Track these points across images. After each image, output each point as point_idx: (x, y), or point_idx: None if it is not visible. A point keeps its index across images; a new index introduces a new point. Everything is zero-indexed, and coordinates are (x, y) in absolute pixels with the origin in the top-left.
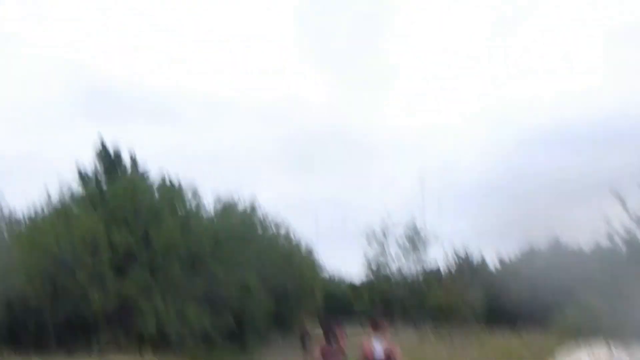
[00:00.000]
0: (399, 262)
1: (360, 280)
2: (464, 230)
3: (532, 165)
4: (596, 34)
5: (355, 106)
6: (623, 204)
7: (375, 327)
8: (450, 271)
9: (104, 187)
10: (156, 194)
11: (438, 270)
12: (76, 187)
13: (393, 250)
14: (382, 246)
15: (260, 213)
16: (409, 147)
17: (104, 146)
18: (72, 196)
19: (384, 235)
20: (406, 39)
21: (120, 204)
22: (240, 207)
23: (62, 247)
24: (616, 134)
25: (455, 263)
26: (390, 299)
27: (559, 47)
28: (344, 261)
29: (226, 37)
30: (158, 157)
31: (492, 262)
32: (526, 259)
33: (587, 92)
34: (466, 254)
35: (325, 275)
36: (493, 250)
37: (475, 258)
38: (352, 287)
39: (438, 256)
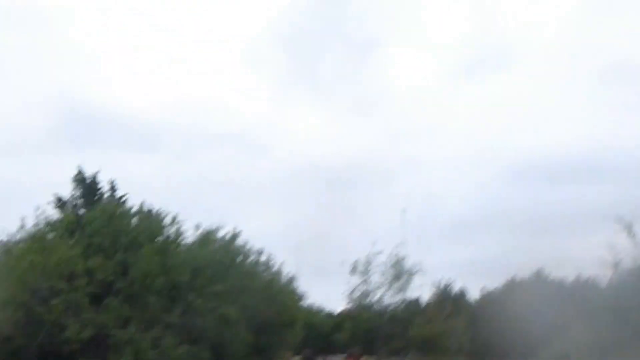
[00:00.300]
0: (382, 292)
1: (342, 312)
2: (447, 262)
3: (515, 199)
4: (578, 73)
5: (342, 135)
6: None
7: (354, 358)
8: (433, 302)
9: (81, 213)
10: (134, 221)
11: (421, 300)
12: (52, 213)
13: (376, 280)
14: (365, 276)
15: (240, 241)
16: (393, 178)
17: (81, 172)
18: (48, 222)
19: (368, 265)
20: (392, 69)
21: (97, 231)
22: (221, 235)
23: (36, 275)
24: (595, 168)
25: (439, 294)
26: (373, 329)
27: (540, 87)
28: (326, 292)
29: (210, 66)
30: (138, 185)
31: (476, 294)
32: (509, 291)
33: (567, 129)
34: (449, 285)
35: (306, 305)
36: (477, 281)
37: (459, 289)
38: (333, 318)
39: (422, 287)
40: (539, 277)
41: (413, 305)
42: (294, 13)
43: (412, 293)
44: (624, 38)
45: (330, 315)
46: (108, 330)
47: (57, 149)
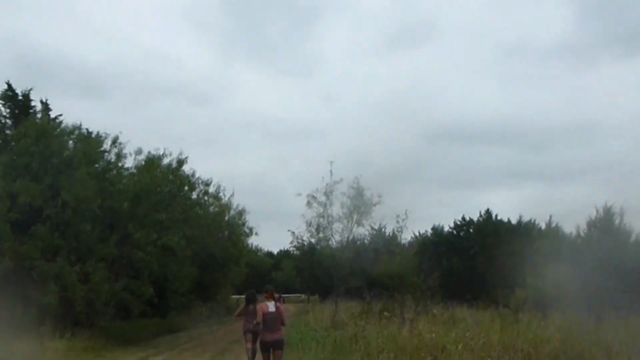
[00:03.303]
0: (342, 226)
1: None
2: None
3: (432, 157)
4: (493, 50)
5: (281, 93)
6: None
7: (270, 296)
8: (399, 236)
9: (8, 132)
10: (70, 142)
11: (386, 235)
12: None
13: (335, 212)
14: (323, 207)
15: (187, 169)
16: (326, 135)
17: (10, 87)
18: None
19: (327, 195)
20: (331, 33)
21: (24, 150)
22: (166, 161)
23: None
24: (505, 132)
25: (401, 229)
26: (330, 267)
27: (458, 58)
28: (266, 236)
29: (158, 22)
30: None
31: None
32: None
33: (483, 97)
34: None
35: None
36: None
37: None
38: (281, 257)
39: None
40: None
41: (377, 239)
42: None
43: (373, 226)
44: (531, 21)
45: (270, 255)
46: (32, 262)
47: None
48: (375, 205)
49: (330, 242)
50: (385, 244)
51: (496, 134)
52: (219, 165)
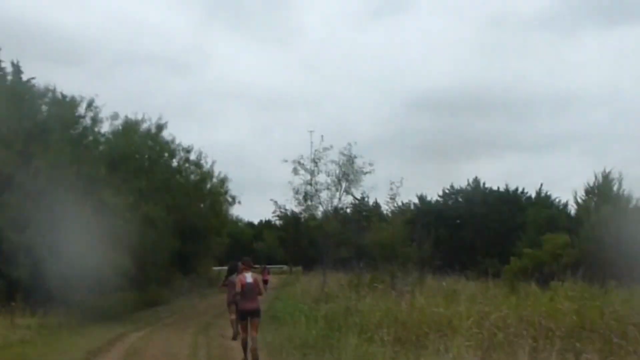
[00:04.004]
0: (330, 194)
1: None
2: None
3: (413, 126)
4: (475, 20)
5: (261, 63)
6: None
7: (247, 267)
8: (393, 204)
9: None
10: (43, 106)
11: (375, 204)
12: None
13: (323, 179)
14: (311, 174)
15: (167, 135)
16: (307, 106)
17: None
18: None
19: (315, 162)
20: (312, 2)
21: None
22: (145, 127)
23: None
24: (487, 103)
25: (394, 196)
26: (319, 237)
27: (437, 29)
28: (253, 205)
29: None
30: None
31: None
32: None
33: (465, 67)
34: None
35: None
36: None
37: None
38: (262, 227)
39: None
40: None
41: (359, 209)
42: None
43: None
44: None
45: (251, 225)
46: (2, 234)
47: None
48: (365, 174)
49: (317, 211)
50: (368, 214)
51: (477, 104)
52: (197, 136)
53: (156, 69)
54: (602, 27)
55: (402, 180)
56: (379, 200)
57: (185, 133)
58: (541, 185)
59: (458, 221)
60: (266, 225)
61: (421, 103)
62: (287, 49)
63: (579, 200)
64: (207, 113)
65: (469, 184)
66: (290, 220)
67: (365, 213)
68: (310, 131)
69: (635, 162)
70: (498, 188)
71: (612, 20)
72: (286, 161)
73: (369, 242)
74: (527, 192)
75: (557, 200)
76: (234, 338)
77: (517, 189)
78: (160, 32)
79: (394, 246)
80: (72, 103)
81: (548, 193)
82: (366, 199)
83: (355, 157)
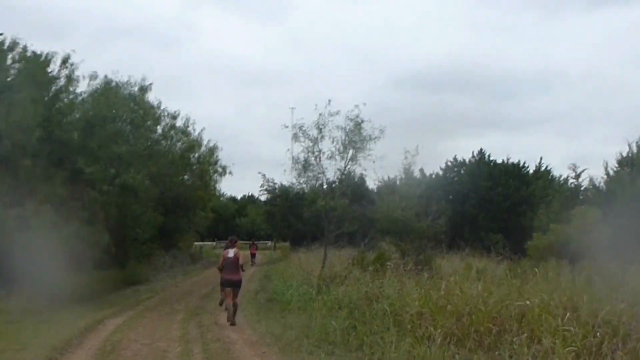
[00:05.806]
0: (335, 163)
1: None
2: None
3: (396, 103)
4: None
5: (245, 37)
6: None
7: (230, 244)
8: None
9: None
10: (10, 61)
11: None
12: None
13: (326, 148)
14: (313, 142)
15: (152, 98)
16: (292, 81)
17: None
18: None
19: (319, 128)
20: None
21: None
22: (126, 89)
23: None
24: (470, 80)
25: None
26: (322, 209)
27: (431, 3)
28: (235, 180)
29: None
30: None
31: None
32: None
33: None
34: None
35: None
36: None
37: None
38: (245, 202)
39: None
40: None
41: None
42: None
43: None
44: None
45: (234, 200)
46: None
47: None
48: (374, 140)
49: (320, 182)
50: (353, 189)
51: (461, 81)
52: (182, 110)
53: (141, 42)
54: (586, 8)
55: (418, 148)
56: (389, 174)
57: (169, 106)
58: (541, 158)
59: (461, 195)
60: (249, 200)
61: (405, 79)
62: (274, 24)
63: (611, 172)
64: (192, 87)
65: (473, 156)
66: (280, 194)
67: (349, 189)
68: (292, 108)
69: None
70: (503, 161)
71: (596, 1)
72: (286, 127)
73: (380, 217)
74: (527, 166)
75: (559, 176)
76: (221, 304)
77: (519, 162)
78: (145, 5)
79: (406, 222)
80: (45, 61)
81: (549, 167)
82: (352, 174)
83: (362, 120)
